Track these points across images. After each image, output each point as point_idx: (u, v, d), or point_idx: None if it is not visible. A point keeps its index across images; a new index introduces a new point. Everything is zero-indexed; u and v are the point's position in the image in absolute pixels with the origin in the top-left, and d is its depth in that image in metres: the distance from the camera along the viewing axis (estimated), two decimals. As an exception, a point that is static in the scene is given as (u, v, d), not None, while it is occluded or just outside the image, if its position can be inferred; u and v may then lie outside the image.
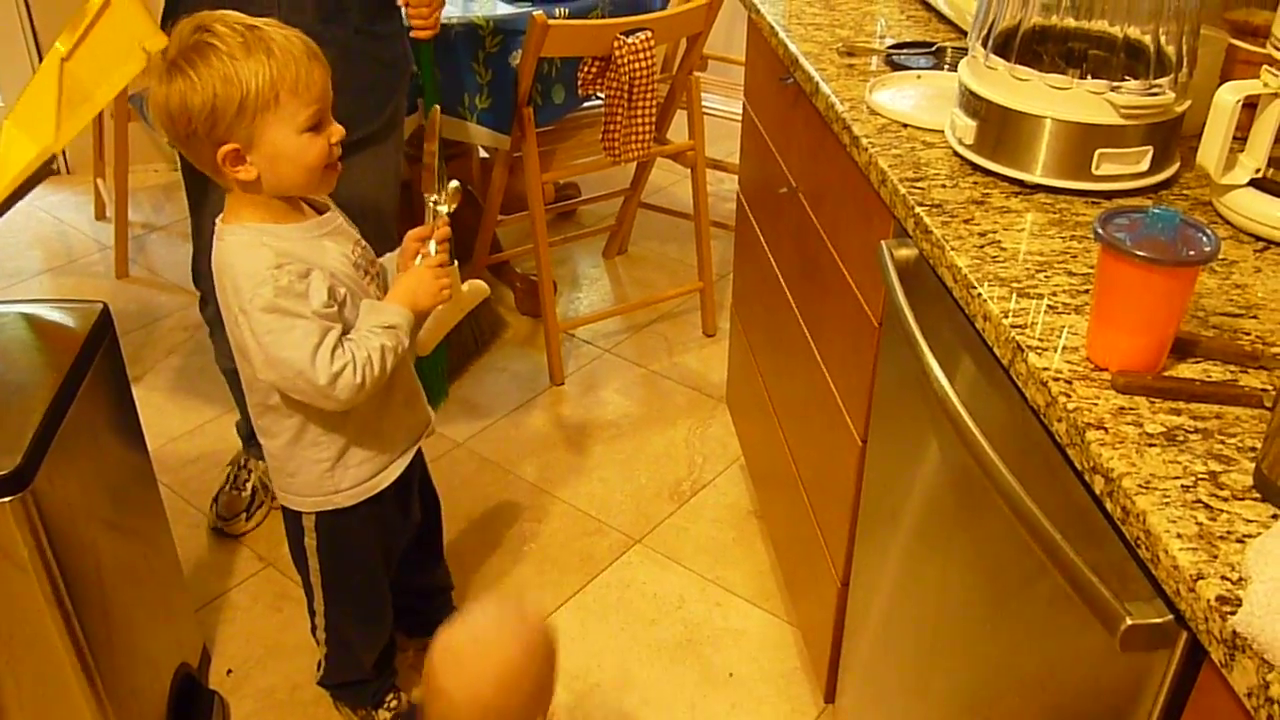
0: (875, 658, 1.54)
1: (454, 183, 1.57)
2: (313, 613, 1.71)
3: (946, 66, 1.60)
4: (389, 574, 1.73)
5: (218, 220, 1.41)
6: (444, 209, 1.54)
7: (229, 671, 1.96)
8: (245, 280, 1.35)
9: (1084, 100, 1.21)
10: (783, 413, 1.93)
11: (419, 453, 1.69)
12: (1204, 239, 0.90)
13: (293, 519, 1.60)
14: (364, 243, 1.51)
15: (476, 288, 1.73)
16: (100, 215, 3.49)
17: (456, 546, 2.23)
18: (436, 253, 1.51)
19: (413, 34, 2.03)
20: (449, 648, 1.23)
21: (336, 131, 1.38)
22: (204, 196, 1.79)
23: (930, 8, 1.87)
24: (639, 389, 2.74)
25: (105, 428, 1.60)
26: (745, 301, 2.21)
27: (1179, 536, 0.76)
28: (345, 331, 1.41)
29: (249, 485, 2.24)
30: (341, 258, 1.44)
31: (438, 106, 1.90)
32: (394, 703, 1.83)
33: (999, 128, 1.27)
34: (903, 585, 1.40)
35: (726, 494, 2.38)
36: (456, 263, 1.87)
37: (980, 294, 1.06)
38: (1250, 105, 1.15)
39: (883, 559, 1.46)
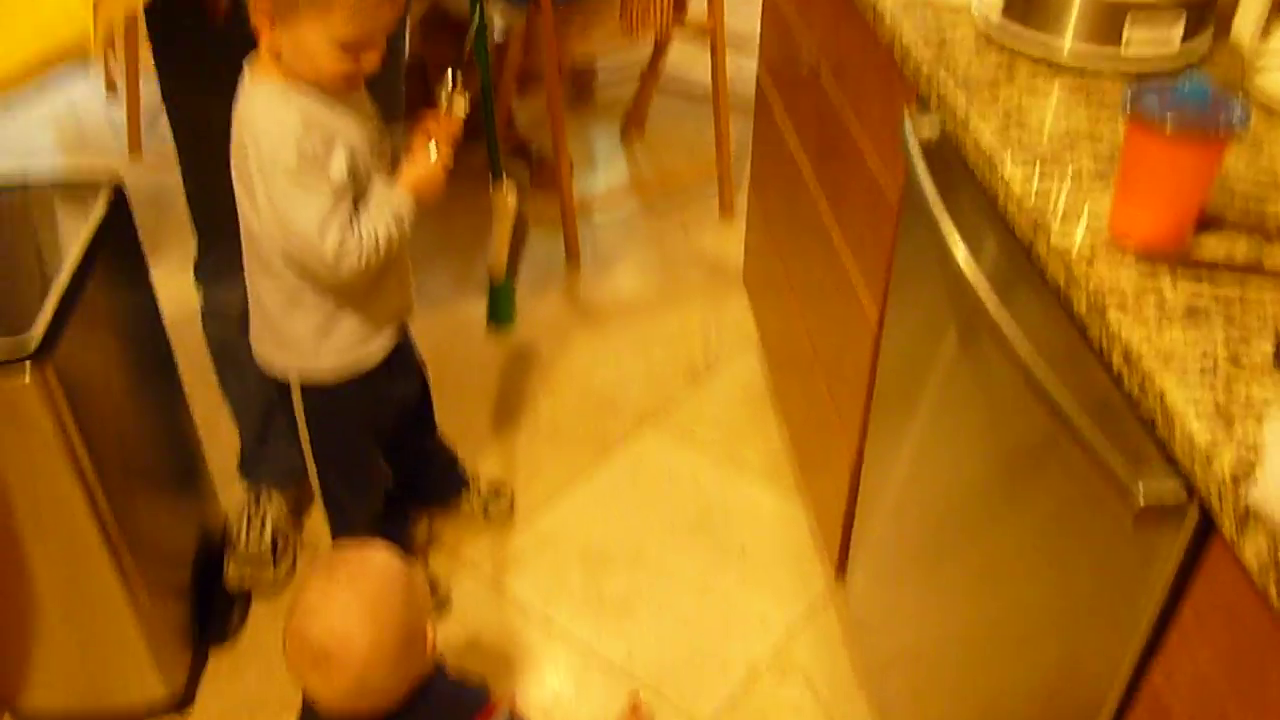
0: (886, 535, 1.56)
1: (465, 94, 1.56)
2: (312, 475, 1.74)
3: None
4: (381, 444, 1.75)
5: (246, 71, 1.39)
6: (460, 108, 1.54)
7: (251, 543, 2.00)
8: (267, 139, 1.34)
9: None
10: (799, 292, 1.92)
11: (405, 327, 1.71)
12: (1234, 112, 0.88)
13: (282, 390, 1.62)
14: (379, 123, 1.50)
15: (512, 197, 1.75)
16: (111, 88, 3.45)
17: (471, 425, 2.25)
18: (439, 152, 1.51)
19: None
20: (301, 649, 1.22)
21: (371, 61, 1.36)
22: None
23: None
24: (655, 269, 2.73)
25: (123, 302, 1.61)
26: (763, 182, 2.19)
27: (1196, 411, 0.76)
28: (357, 206, 1.41)
29: (267, 530, 1.94)
30: (363, 129, 1.43)
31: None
32: None
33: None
34: (916, 463, 1.41)
35: (741, 374, 2.39)
36: (505, 177, 1.88)
37: (1003, 170, 1.05)
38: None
39: (896, 437, 1.47)
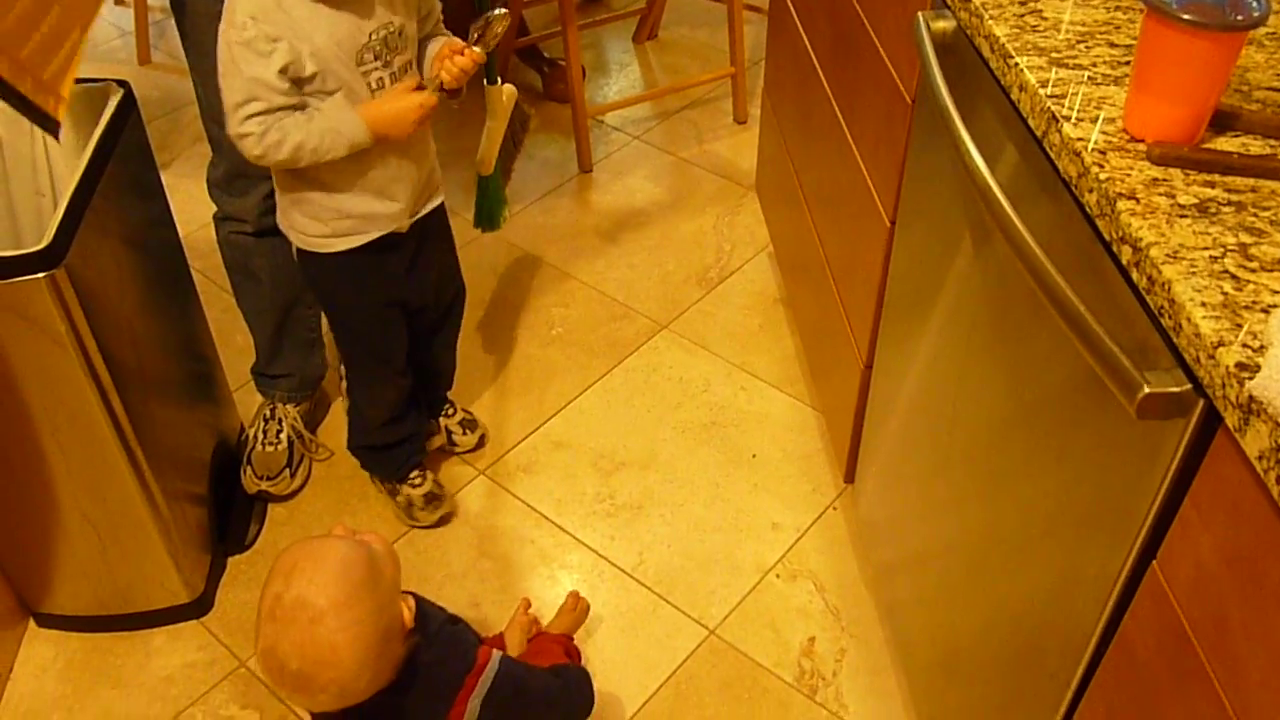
0: (896, 439, 1.57)
1: (499, 22, 1.55)
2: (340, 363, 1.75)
3: None
4: (398, 336, 1.75)
5: None
6: (478, 48, 1.53)
7: (267, 449, 2.03)
8: (228, 12, 1.39)
9: None
10: (812, 198, 1.91)
11: (437, 229, 1.71)
12: (1253, 5, 0.86)
13: (299, 256, 1.64)
14: (401, 29, 1.48)
15: (509, 92, 1.72)
16: (119, -2, 3.42)
17: (484, 331, 2.26)
18: (436, 89, 1.51)
19: None
20: (279, 676, 1.13)
21: None
22: None
23: None
24: (668, 176, 2.71)
25: (134, 206, 1.61)
26: (777, 86, 2.16)
27: (1203, 305, 0.76)
28: (300, 108, 1.43)
29: (283, 436, 1.95)
30: (345, 38, 1.41)
31: None
32: (418, 479, 1.87)
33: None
34: (926, 369, 1.41)
35: (754, 281, 2.38)
36: (500, 81, 1.86)
37: (1018, 63, 1.03)
38: None
39: (907, 343, 1.47)
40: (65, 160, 1.59)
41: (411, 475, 1.87)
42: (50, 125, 1.33)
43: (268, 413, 1.97)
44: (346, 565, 1.15)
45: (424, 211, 1.64)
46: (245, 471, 1.92)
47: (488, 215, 2.11)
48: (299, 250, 1.61)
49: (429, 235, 1.68)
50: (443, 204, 1.70)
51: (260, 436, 1.95)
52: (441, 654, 1.26)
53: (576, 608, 1.67)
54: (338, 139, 1.44)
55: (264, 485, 1.91)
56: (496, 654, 1.31)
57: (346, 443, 1.90)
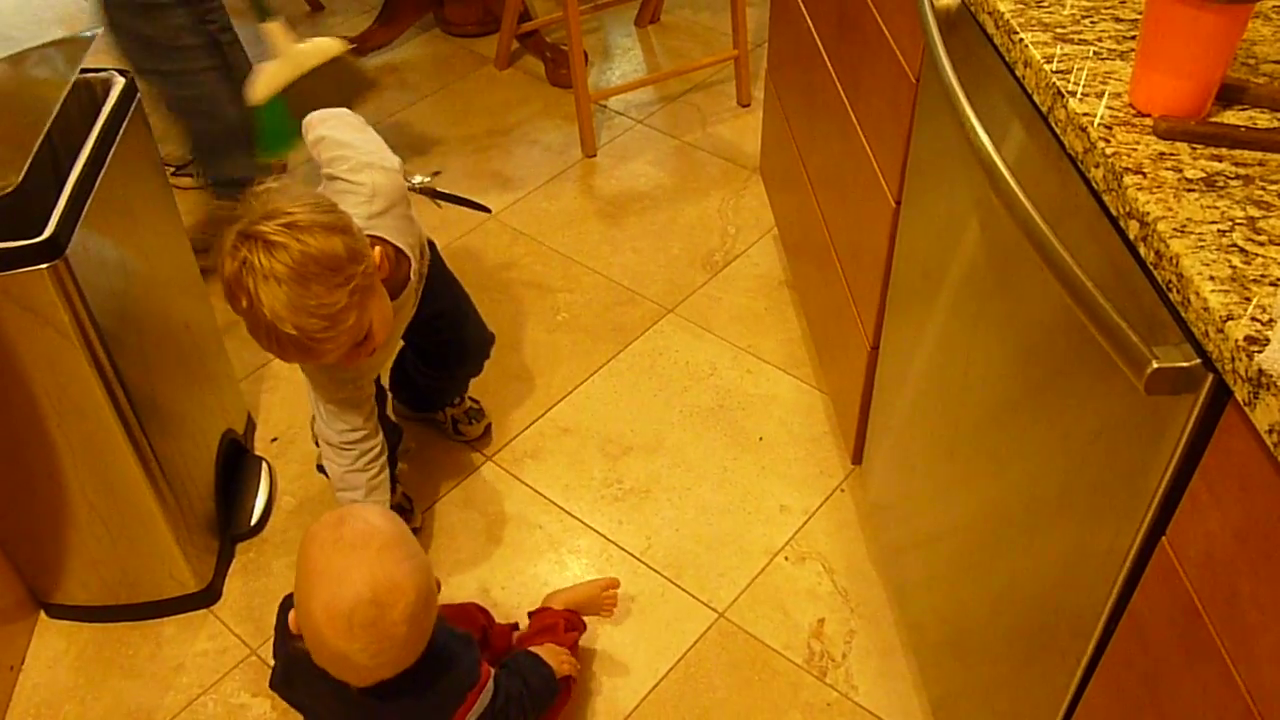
0: (903, 420, 1.56)
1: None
2: None
3: None
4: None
5: None
6: None
7: (274, 439, 2.03)
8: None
9: None
10: (817, 180, 1.90)
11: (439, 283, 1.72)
12: (1260, -26, 0.86)
13: None
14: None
15: (321, 46, 1.72)
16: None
17: (489, 318, 2.24)
18: None
19: None
20: (335, 623, 1.14)
21: (365, 349, 1.44)
22: None
23: None
24: (672, 160, 2.70)
25: (137, 197, 1.60)
26: (781, 68, 2.15)
27: (1212, 279, 0.75)
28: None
29: None
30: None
31: None
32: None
33: None
34: (933, 349, 1.40)
35: (759, 264, 2.38)
36: (281, 20, 1.89)
37: (1022, 39, 1.02)
38: None
39: (913, 324, 1.47)
40: (67, 150, 1.58)
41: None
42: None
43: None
44: (386, 516, 1.25)
45: None
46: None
47: (270, 140, 2.13)
48: None
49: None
50: (435, 261, 1.70)
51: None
52: (451, 658, 1.28)
53: (605, 591, 1.66)
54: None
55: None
56: (492, 673, 1.34)
57: (317, 463, 1.89)
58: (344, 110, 1.55)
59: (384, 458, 1.63)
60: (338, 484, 1.62)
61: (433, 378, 1.91)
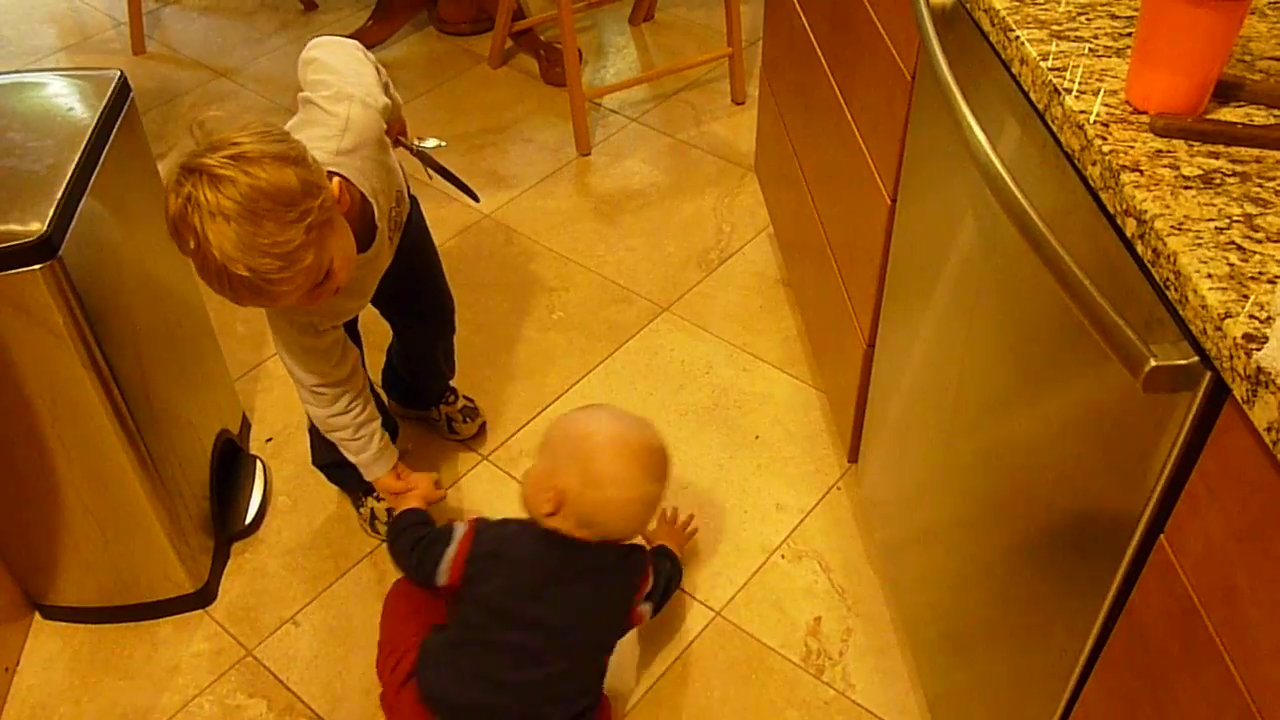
0: (899, 417, 1.56)
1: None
2: None
3: None
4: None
5: None
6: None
7: (268, 439, 2.02)
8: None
9: None
10: (812, 178, 1.90)
11: (419, 252, 1.71)
12: (1256, -29, 0.86)
13: None
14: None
15: None
16: (112, -13, 3.40)
17: (484, 317, 2.25)
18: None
19: None
20: (626, 453, 1.46)
21: (330, 285, 1.37)
22: None
23: None
24: (666, 158, 2.70)
25: (131, 196, 1.60)
26: (775, 66, 2.14)
27: (1209, 276, 0.75)
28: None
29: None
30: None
31: None
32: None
33: None
34: (929, 346, 1.40)
35: (754, 262, 2.38)
36: None
37: (1018, 37, 1.02)
38: None
39: (909, 320, 1.46)
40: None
41: None
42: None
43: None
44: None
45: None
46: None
47: None
48: None
49: (406, 261, 1.66)
50: (417, 219, 1.68)
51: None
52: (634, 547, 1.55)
53: (687, 528, 1.79)
54: (364, 458, 1.64)
55: None
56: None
57: (310, 460, 1.88)
58: (354, 42, 1.47)
59: (368, 403, 1.59)
60: (323, 427, 1.60)
61: (411, 357, 1.90)
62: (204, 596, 1.75)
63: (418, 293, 1.79)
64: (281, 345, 1.52)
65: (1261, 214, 0.81)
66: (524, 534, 1.47)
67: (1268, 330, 0.71)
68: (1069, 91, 0.94)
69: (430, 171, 1.73)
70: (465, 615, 1.47)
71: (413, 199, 1.66)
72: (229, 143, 1.20)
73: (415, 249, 1.69)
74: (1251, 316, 0.72)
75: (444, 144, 1.73)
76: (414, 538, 1.53)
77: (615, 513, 1.45)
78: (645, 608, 1.55)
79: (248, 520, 1.86)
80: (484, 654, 1.44)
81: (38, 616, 1.76)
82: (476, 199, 1.83)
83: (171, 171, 1.22)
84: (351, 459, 1.65)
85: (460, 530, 1.48)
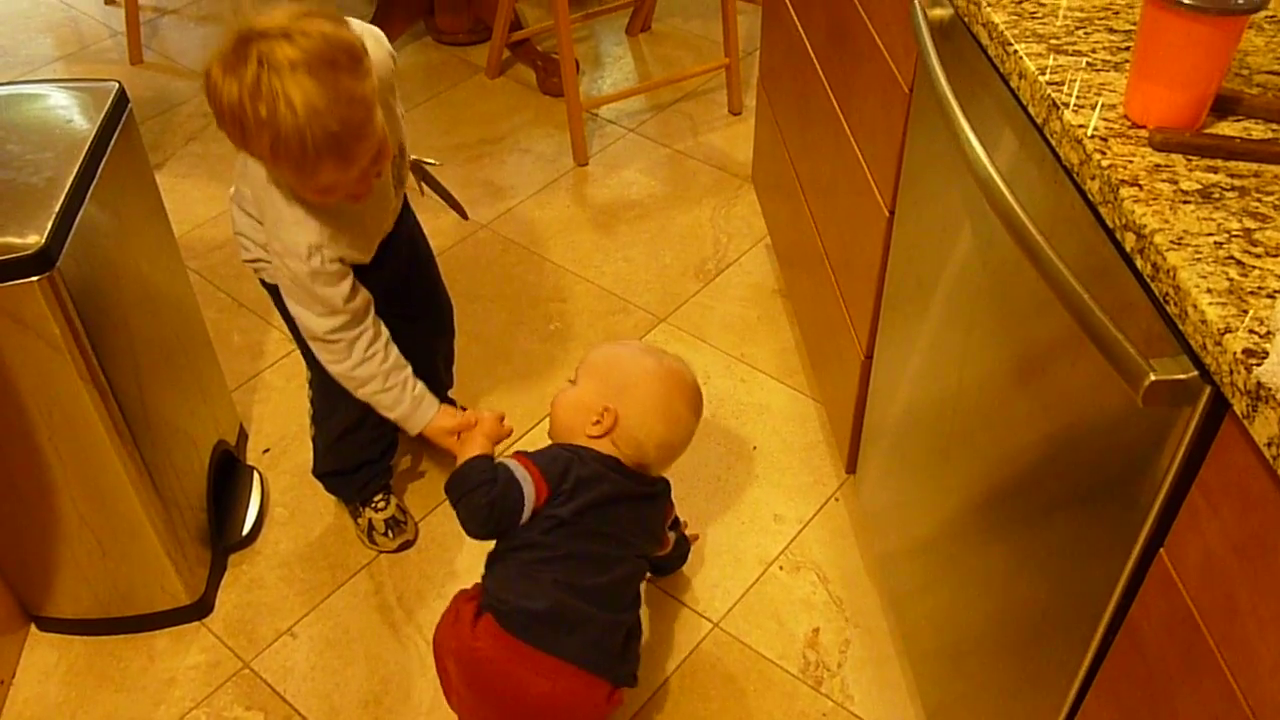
0: (897, 428, 1.56)
1: None
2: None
3: None
4: None
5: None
6: None
7: (265, 450, 2.02)
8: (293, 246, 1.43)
9: None
10: (809, 188, 1.90)
11: (413, 248, 1.71)
12: (1254, -13, 0.86)
13: (265, 285, 1.63)
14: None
15: None
16: (109, -3, 3.40)
17: (482, 327, 2.25)
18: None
19: None
20: (682, 387, 1.57)
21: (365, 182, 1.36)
22: None
23: None
24: (663, 168, 2.70)
25: (129, 207, 1.60)
26: (772, 77, 2.15)
27: (1209, 291, 0.76)
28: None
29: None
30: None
31: None
32: (381, 503, 1.83)
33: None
34: (927, 357, 1.40)
35: (751, 273, 2.38)
36: None
37: (1016, 50, 1.02)
38: None
39: (907, 331, 1.47)
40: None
41: (375, 498, 1.84)
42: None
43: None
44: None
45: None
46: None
47: None
48: (262, 281, 1.61)
49: (401, 258, 1.67)
50: (413, 227, 1.69)
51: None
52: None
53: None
54: (403, 409, 1.55)
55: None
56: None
57: (311, 469, 1.87)
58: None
59: (391, 348, 1.53)
60: (352, 387, 1.52)
61: (411, 361, 1.89)
62: (201, 608, 1.75)
63: (416, 289, 1.79)
64: (294, 285, 1.45)
65: (1260, 228, 0.82)
66: (579, 458, 1.51)
67: (1268, 345, 0.71)
68: (1067, 105, 0.94)
69: (423, 185, 1.73)
70: (530, 537, 1.46)
71: (404, 199, 1.66)
72: (278, 16, 1.18)
73: (411, 241, 1.71)
74: (1251, 331, 0.72)
75: (439, 164, 1.74)
76: (487, 498, 1.45)
77: (666, 449, 1.56)
78: (671, 534, 1.65)
79: (245, 532, 1.86)
80: (561, 564, 1.45)
81: (34, 628, 1.75)
82: (466, 217, 1.83)
83: (219, 58, 1.19)
84: (392, 416, 1.56)
85: (521, 470, 1.47)
